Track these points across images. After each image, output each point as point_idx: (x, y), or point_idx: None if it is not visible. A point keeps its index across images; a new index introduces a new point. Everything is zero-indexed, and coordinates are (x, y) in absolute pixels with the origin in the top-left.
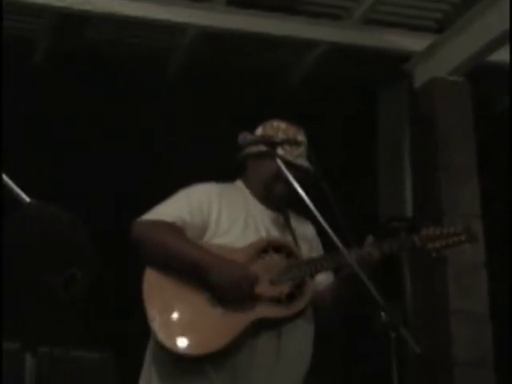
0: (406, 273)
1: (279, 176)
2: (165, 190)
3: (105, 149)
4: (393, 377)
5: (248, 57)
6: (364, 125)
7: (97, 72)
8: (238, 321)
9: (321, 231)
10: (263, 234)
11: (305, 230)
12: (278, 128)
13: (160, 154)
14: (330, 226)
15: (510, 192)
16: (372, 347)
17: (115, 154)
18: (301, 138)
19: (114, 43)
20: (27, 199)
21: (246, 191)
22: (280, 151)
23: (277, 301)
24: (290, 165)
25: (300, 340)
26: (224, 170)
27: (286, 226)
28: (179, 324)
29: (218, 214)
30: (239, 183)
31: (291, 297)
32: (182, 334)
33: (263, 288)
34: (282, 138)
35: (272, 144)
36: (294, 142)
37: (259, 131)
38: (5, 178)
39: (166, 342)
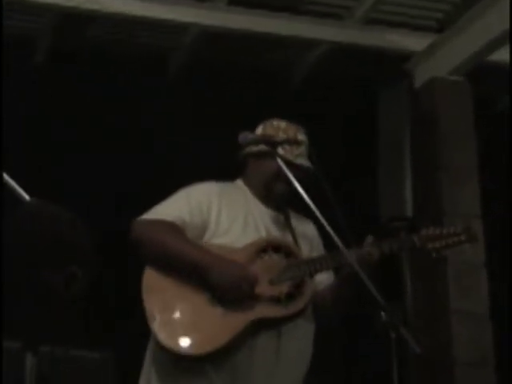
0: (407, 273)
1: (279, 175)
2: (165, 190)
3: (105, 149)
4: (393, 377)
5: (249, 56)
6: (364, 124)
7: (97, 72)
8: (238, 320)
9: (321, 230)
10: (263, 233)
11: (305, 230)
12: (278, 127)
13: (160, 154)
14: (330, 225)
15: (511, 192)
16: (372, 347)
17: (115, 154)
18: (301, 137)
19: (115, 43)
20: (27, 198)
21: (247, 190)
22: (280, 150)
23: (276, 300)
24: (290, 164)
25: (300, 340)
26: (224, 169)
27: (287, 226)
28: (179, 324)
29: (217, 213)
30: (239, 182)
31: (291, 296)
32: (182, 334)
33: (263, 288)
34: (283, 138)
35: (272, 143)
36: (294, 142)
37: (259, 130)
38: (5, 176)
39: (166, 342)
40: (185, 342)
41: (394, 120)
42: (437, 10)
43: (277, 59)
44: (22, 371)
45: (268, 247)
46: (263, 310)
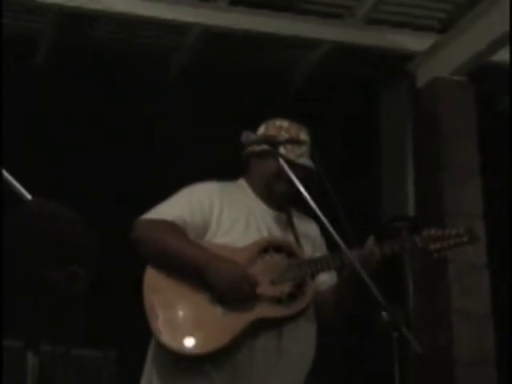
0: (408, 273)
1: (281, 175)
2: (165, 190)
3: (105, 149)
4: (395, 376)
5: (251, 56)
6: (364, 124)
7: (97, 72)
8: (238, 320)
9: (323, 231)
10: (265, 233)
11: (308, 229)
12: (280, 127)
13: (160, 154)
14: (332, 225)
15: None
16: (374, 347)
17: (115, 154)
18: (303, 136)
19: (117, 42)
20: (29, 196)
21: (249, 190)
22: (282, 150)
23: (277, 301)
24: (292, 164)
25: (302, 340)
26: (224, 169)
27: (289, 225)
28: (180, 323)
29: (219, 213)
30: (242, 182)
31: (292, 296)
32: (183, 333)
33: (264, 288)
34: (285, 137)
35: (274, 143)
36: (296, 141)
37: (261, 130)
38: (6, 175)
39: (167, 341)
40: (185, 341)
41: (395, 119)
42: (439, 10)
43: (278, 59)
44: (24, 370)
45: (269, 247)
46: (264, 310)
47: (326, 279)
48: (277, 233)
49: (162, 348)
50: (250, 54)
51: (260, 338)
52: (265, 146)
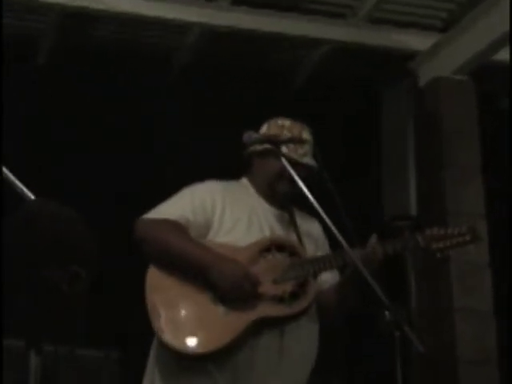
0: (411, 272)
1: (283, 175)
2: (165, 190)
3: (105, 149)
4: (397, 376)
5: (253, 56)
6: (364, 124)
7: (97, 71)
8: (241, 320)
9: (325, 230)
10: (267, 232)
11: (310, 228)
12: (282, 126)
13: (160, 154)
14: (334, 224)
15: None
16: (376, 346)
17: (115, 154)
18: (306, 135)
19: (119, 42)
20: (32, 196)
21: (251, 189)
22: (285, 149)
23: (280, 300)
24: (294, 163)
25: (304, 340)
26: (224, 169)
27: (291, 224)
28: (182, 322)
29: (221, 212)
30: (244, 181)
31: (294, 296)
32: (185, 333)
33: (266, 287)
34: (287, 136)
35: (277, 142)
36: (298, 141)
37: (264, 129)
38: (8, 173)
39: (169, 340)
40: (188, 340)
41: (396, 119)
42: (441, 9)
43: (280, 59)
44: (26, 370)
45: (272, 246)
46: (266, 309)
47: (329, 278)
48: (279, 232)
49: (164, 347)
50: (251, 54)
51: (262, 337)
52: (267, 146)
